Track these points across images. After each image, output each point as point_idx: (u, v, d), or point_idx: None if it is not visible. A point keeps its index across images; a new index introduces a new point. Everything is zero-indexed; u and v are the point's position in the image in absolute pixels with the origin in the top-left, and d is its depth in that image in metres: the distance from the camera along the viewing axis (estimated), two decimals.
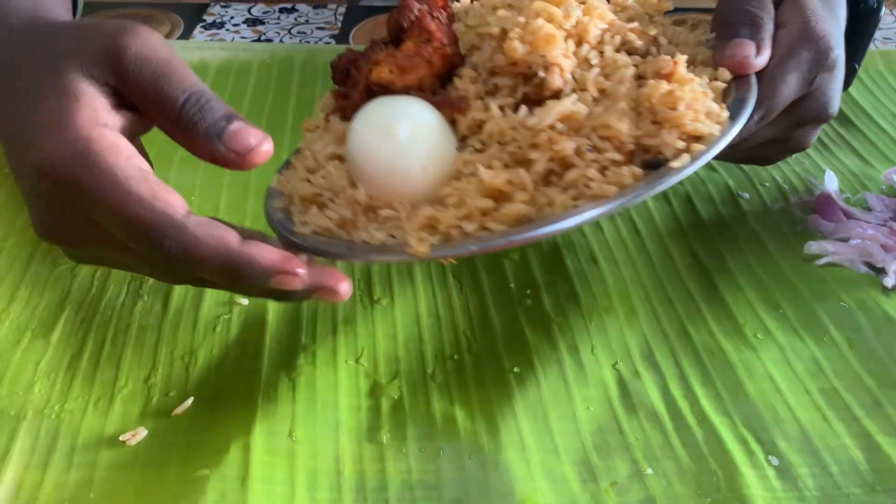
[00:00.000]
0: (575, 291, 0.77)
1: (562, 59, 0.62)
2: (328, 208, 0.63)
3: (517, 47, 0.61)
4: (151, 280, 0.76)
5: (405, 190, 0.61)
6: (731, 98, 0.64)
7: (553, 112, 0.59)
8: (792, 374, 0.70)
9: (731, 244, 0.84)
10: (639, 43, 0.65)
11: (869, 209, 0.87)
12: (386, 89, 0.63)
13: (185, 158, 0.90)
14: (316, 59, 1.12)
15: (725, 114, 0.61)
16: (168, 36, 1.19)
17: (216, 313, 0.74)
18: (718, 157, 0.63)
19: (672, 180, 0.57)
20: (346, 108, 0.66)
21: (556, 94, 0.62)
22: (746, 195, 0.90)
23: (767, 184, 0.92)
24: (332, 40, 1.19)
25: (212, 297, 0.75)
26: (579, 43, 0.64)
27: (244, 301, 0.75)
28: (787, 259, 0.82)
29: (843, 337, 0.73)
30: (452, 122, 0.64)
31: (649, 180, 0.58)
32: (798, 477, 0.62)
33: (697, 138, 0.59)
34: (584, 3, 0.66)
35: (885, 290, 0.78)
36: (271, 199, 0.68)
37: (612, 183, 0.57)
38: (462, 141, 0.63)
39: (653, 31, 0.67)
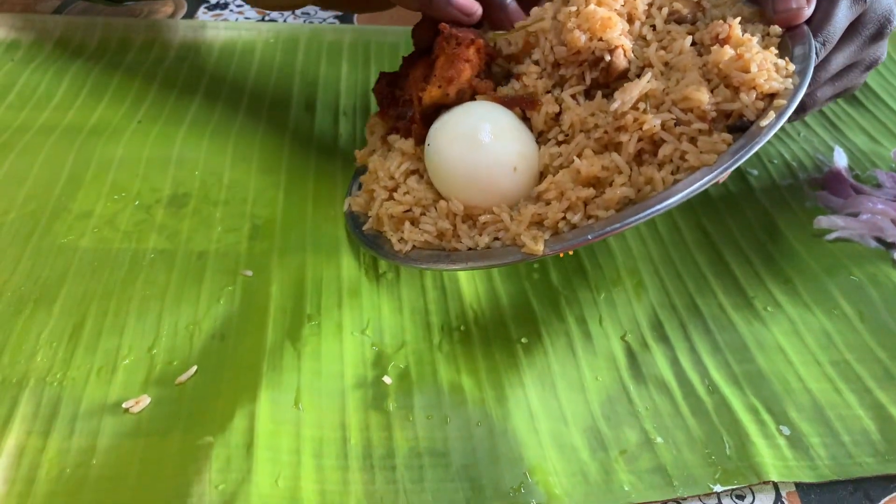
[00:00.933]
0: (582, 265, 0.77)
1: (623, 40, 0.63)
2: (421, 223, 0.65)
3: (578, 36, 0.62)
4: (153, 254, 0.76)
5: (500, 192, 0.62)
6: (791, 49, 0.64)
7: (634, 93, 0.59)
8: (802, 346, 0.69)
9: (740, 219, 0.83)
10: (685, 11, 0.66)
11: (879, 185, 0.86)
12: (442, 105, 0.65)
13: (188, 134, 0.90)
14: (321, 39, 1.11)
15: (792, 66, 0.61)
16: (172, 16, 1.19)
17: (221, 284, 0.73)
18: (804, 110, 0.64)
19: (764, 138, 0.57)
20: (407, 127, 0.69)
21: (624, 74, 0.63)
22: (755, 172, 0.90)
23: (776, 161, 0.91)
24: (337, 20, 1.18)
25: (216, 268, 0.74)
26: (630, 21, 0.65)
27: (248, 272, 0.74)
28: (797, 234, 0.81)
29: (854, 310, 0.73)
30: (525, 120, 0.65)
31: (742, 143, 0.58)
32: (810, 446, 0.61)
33: (772, 95, 0.60)
34: None
35: (895, 264, 0.77)
36: (353, 221, 0.73)
37: (706, 151, 0.58)
38: (539, 136, 0.65)
39: None
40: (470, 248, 0.63)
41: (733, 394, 0.65)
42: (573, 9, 0.64)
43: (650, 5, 0.66)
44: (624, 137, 0.59)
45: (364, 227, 0.71)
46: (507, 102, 0.65)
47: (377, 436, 0.61)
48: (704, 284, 0.75)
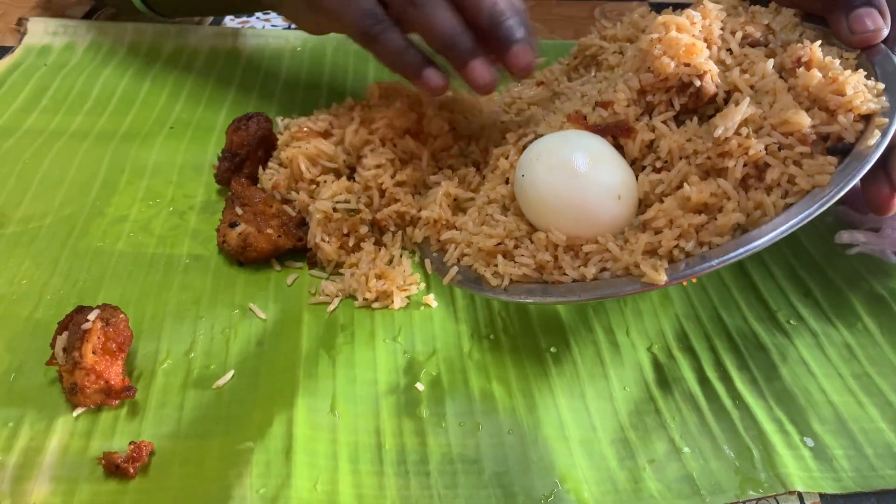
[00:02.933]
0: None
1: (710, 65, 0.63)
2: (516, 255, 0.65)
3: (667, 63, 0.63)
4: (188, 259, 0.77)
5: (605, 222, 0.61)
6: (873, 67, 0.64)
7: (736, 118, 0.60)
8: (825, 359, 0.70)
9: None
10: (758, 34, 0.67)
11: None
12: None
13: (220, 141, 0.92)
14: (347, 48, 1.12)
15: (881, 85, 0.62)
16: (199, 23, 1.20)
17: (255, 290, 0.74)
18: None
19: (872, 158, 0.58)
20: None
21: (713, 99, 0.64)
22: None
23: None
24: None
25: (249, 274, 0.76)
26: (708, 45, 0.66)
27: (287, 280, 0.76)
28: (819, 248, 0.82)
29: (876, 324, 0.74)
30: (618, 147, 0.65)
31: (850, 165, 0.58)
32: (833, 458, 0.62)
33: (867, 116, 0.60)
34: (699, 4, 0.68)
35: None
36: (436, 257, 0.74)
37: (815, 174, 0.58)
38: (633, 163, 0.65)
39: (764, 21, 0.68)
40: (575, 280, 0.62)
41: (758, 405, 0.66)
42: (655, 36, 0.65)
43: (723, 30, 0.67)
44: (729, 163, 0.60)
45: (449, 263, 0.71)
46: (600, 131, 0.64)
47: (411, 442, 0.62)
48: (728, 297, 0.76)
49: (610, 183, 0.61)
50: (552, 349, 0.70)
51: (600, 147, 0.63)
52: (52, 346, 0.64)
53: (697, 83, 0.63)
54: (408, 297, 0.73)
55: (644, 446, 0.62)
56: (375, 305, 0.72)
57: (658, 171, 0.63)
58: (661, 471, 0.61)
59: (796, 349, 0.71)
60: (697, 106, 0.64)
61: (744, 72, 0.64)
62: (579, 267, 0.62)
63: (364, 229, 0.77)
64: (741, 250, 0.57)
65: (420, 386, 0.66)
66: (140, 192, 0.86)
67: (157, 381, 0.66)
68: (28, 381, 0.65)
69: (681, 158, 0.62)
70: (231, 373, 0.66)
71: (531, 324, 0.72)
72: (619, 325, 0.73)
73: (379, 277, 0.73)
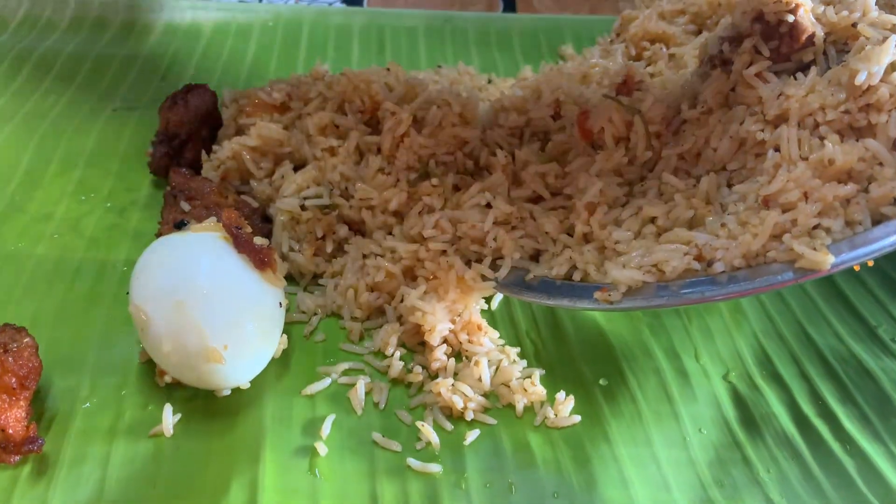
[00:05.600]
0: None
1: None
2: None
3: None
4: (126, 266, 0.61)
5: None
6: None
7: (882, 59, 0.45)
8: None
9: None
10: None
11: None
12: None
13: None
14: (327, 23, 0.97)
15: None
16: None
17: None
18: None
19: None
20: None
21: (810, 41, 0.49)
22: None
23: None
24: (343, 4, 1.04)
25: None
26: None
27: None
28: None
29: None
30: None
31: None
32: None
33: None
34: None
35: None
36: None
37: None
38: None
39: None
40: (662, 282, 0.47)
41: (876, 451, 0.51)
42: None
43: None
44: (879, 118, 0.45)
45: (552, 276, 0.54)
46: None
47: None
48: (814, 310, 0.61)
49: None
50: (601, 381, 0.54)
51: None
52: None
53: (791, 18, 0.48)
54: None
55: None
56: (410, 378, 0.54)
57: (772, 126, 0.49)
58: None
59: None
60: (791, 51, 0.49)
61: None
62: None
63: (343, 230, 0.61)
64: None
65: (431, 434, 0.49)
66: (71, 184, 0.69)
67: (74, 428, 0.50)
68: None
69: (809, 118, 0.47)
70: (176, 416, 0.49)
71: (570, 348, 0.56)
72: (685, 346, 0.57)
73: (373, 290, 0.57)
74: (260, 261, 0.50)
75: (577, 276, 0.50)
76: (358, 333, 0.56)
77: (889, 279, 0.64)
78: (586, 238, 0.52)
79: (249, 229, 0.53)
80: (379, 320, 0.57)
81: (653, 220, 0.50)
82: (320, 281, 0.60)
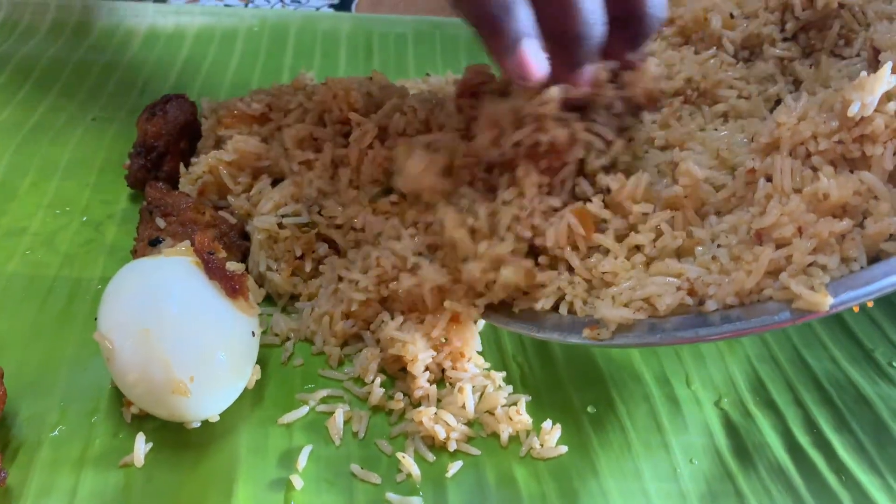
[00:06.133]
0: None
1: None
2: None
3: None
4: (101, 284, 0.59)
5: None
6: None
7: (876, 88, 0.42)
8: None
9: None
10: None
11: None
12: None
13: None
14: (314, 28, 0.94)
15: None
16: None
17: None
18: None
19: None
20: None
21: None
22: None
23: None
24: (332, 9, 1.02)
25: None
26: None
27: None
28: None
29: None
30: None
31: None
32: None
33: None
34: None
35: None
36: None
37: None
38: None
39: None
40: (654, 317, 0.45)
41: (872, 482, 0.49)
42: None
43: None
44: (874, 150, 0.42)
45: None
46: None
47: None
48: (809, 333, 0.59)
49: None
50: (590, 408, 0.52)
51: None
52: None
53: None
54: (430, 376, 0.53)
55: None
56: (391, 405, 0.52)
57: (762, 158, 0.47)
58: None
59: None
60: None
61: None
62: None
63: (323, 248, 0.59)
64: None
65: (412, 466, 0.47)
66: (46, 197, 0.67)
67: (40, 458, 0.48)
68: None
69: (802, 147, 0.45)
70: (147, 445, 0.47)
71: (558, 373, 0.54)
72: (676, 371, 0.55)
73: (347, 317, 0.55)
74: (231, 288, 0.48)
75: (563, 310, 0.48)
76: (337, 359, 0.54)
77: (886, 301, 0.62)
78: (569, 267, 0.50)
79: (224, 254, 0.51)
80: (358, 345, 0.55)
81: (638, 248, 0.48)
82: (297, 304, 0.58)
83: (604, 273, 0.47)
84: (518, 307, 0.50)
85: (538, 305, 0.48)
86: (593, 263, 0.48)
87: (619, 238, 0.48)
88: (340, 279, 0.56)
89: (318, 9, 1.03)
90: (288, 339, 0.56)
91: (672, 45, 0.62)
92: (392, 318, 0.53)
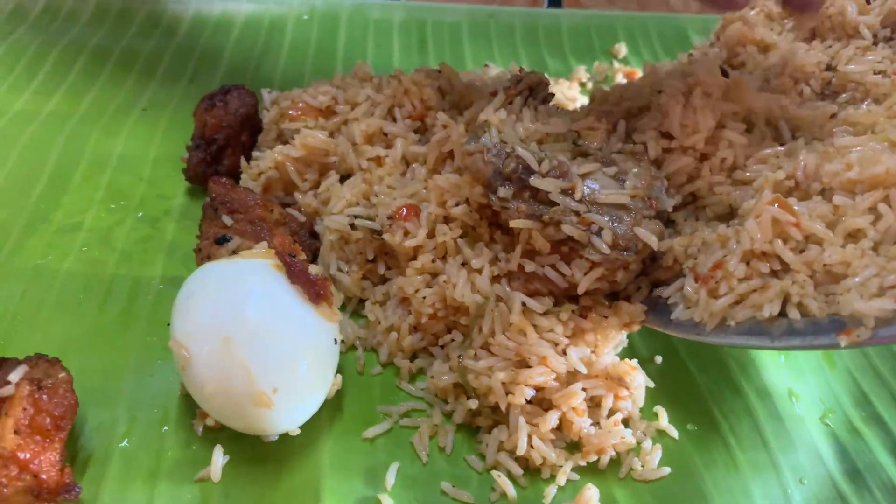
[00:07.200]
0: None
1: None
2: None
3: None
4: (162, 284, 0.56)
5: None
6: None
7: None
8: None
9: None
10: None
11: None
12: None
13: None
14: (365, 16, 0.91)
15: None
16: None
17: None
18: None
19: None
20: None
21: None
22: None
23: None
24: None
25: None
26: None
27: None
28: None
29: None
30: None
31: None
32: None
33: None
34: None
35: None
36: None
37: None
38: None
39: None
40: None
41: None
42: None
43: None
44: None
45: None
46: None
47: None
48: None
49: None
50: (689, 426, 0.48)
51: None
52: None
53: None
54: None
55: None
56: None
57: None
58: None
59: None
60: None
61: None
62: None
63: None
64: None
65: (507, 486, 0.44)
66: (100, 191, 0.65)
67: (111, 470, 0.45)
68: None
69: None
70: (224, 458, 0.44)
71: (652, 388, 0.51)
72: (777, 385, 0.52)
73: (416, 329, 0.52)
74: (315, 294, 0.46)
75: (793, 314, 0.42)
76: (408, 371, 0.51)
77: None
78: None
79: (303, 256, 0.48)
80: (428, 358, 0.52)
81: (854, 234, 0.43)
82: (363, 311, 0.55)
83: (827, 265, 0.42)
84: (734, 319, 0.44)
85: (765, 312, 0.42)
86: (813, 257, 0.43)
87: (830, 225, 0.44)
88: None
89: None
90: (354, 347, 0.53)
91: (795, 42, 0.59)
92: (468, 343, 0.49)
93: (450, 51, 0.87)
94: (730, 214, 0.50)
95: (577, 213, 0.45)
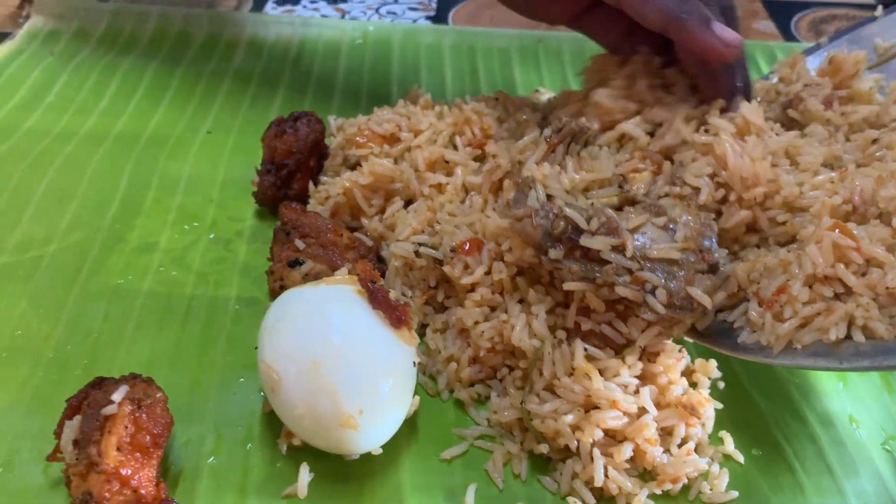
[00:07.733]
0: None
1: None
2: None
3: None
4: (238, 304, 0.58)
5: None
6: None
7: None
8: None
9: None
10: None
11: None
12: None
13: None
14: (416, 41, 0.93)
15: None
16: (237, 8, 1.01)
17: None
18: None
19: None
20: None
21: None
22: None
23: None
24: (429, 21, 1.01)
25: None
26: None
27: None
28: None
29: None
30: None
31: None
32: None
33: None
34: None
35: None
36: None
37: None
38: None
39: None
40: None
41: None
42: None
43: None
44: None
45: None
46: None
47: None
48: None
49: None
50: (754, 451, 0.50)
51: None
52: (57, 434, 0.45)
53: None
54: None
55: None
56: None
57: None
58: None
59: None
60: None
61: None
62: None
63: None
64: None
65: None
66: (171, 213, 0.67)
67: (202, 485, 0.47)
68: (20, 482, 0.47)
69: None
70: (309, 475, 0.46)
71: (719, 414, 0.52)
72: (838, 411, 0.53)
73: (474, 361, 0.53)
74: (396, 318, 0.48)
75: (858, 337, 0.43)
76: (470, 400, 0.53)
77: None
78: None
79: (383, 282, 0.50)
80: (488, 389, 0.53)
81: None
82: (425, 338, 0.57)
83: (889, 288, 0.43)
84: (800, 342, 0.45)
85: (831, 336, 0.44)
86: (876, 280, 0.44)
87: (890, 249, 0.45)
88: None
89: (414, 21, 1.02)
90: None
91: None
92: (528, 388, 0.50)
93: (500, 75, 0.89)
94: (789, 239, 0.52)
95: (630, 271, 0.46)
